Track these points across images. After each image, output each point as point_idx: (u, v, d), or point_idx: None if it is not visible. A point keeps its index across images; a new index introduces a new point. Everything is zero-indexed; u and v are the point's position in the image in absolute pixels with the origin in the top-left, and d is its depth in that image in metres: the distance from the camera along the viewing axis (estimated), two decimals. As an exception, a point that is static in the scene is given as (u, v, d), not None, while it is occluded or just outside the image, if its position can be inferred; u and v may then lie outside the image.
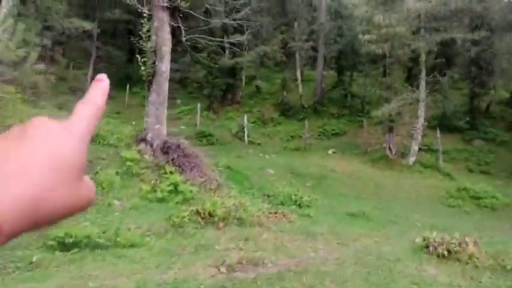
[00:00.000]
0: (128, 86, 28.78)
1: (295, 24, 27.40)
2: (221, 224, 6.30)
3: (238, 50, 29.74)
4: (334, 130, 25.12)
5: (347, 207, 10.49)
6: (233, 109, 29.77)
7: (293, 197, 9.35)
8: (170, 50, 9.56)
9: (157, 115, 9.33)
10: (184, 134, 23.69)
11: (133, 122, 25.86)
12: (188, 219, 6.18)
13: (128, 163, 8.31)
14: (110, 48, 29.59)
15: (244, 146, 22.82)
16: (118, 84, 32.42)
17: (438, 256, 5.37)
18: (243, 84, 30.17)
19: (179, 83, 34.32)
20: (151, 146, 9.21)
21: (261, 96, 31.01)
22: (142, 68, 9.13)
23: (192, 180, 8.59)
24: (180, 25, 10.03)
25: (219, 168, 10.05)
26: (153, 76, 9.31)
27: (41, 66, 20.45)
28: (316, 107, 27.59)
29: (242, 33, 29.27)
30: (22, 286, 3.84)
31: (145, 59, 9.20)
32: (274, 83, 31.98)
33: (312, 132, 24.25)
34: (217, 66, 28.80)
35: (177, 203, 7.54)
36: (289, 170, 14.62)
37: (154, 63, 9.27)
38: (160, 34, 9.28)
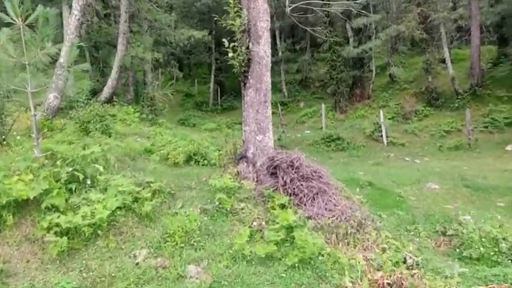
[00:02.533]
0: (248, 94, 27.39)
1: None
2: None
3: (364, 35, 25.62)
4: (507, 118, 18.64)
5: None
6: (364, 105, 25.54)
7: (500, 240, 5.22)
8: (269, 27, 6.59)
9: (259, 120, 6.42)
10: (310, 139, 20.80)
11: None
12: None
13: (218, 195, 5.58)
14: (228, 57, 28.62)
15: (382, 149, 18.54)
16: (239, 94, 31.30)
17: None
18: (374, 75, 25.60)
19: (300, 84, 31.65)
20: (253, 165, 6.34)
21: (397, 86, 25.96)
22: (231, 55, 6.35)
23: (316, 219, 5.37)
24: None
25: (357, 194, 6.55)
26: (248, 66, 6.45)
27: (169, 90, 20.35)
28: (476, 90, 21.31)
29: (366, 15, 25.03)
30: None
31: (235, 44, 6.41)
32: (412, 68, 26.47)
33: (474, 123, 18.39)
34: (340, 58, 25.10)
35: (294, 266, 4.45)
36: (460, 181, 10.07)
37: (247, 47, 6.41)
38: (254, 5, 6.40)
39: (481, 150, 16.04)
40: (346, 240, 4.91)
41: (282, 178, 5.92)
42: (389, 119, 21.55)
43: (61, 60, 9.91)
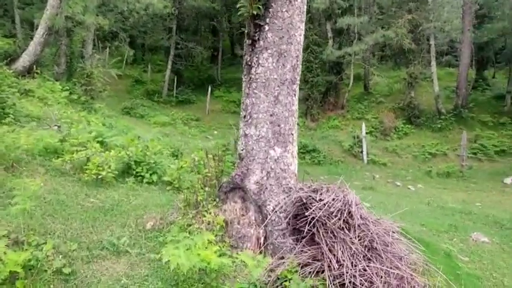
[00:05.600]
0: (210, 89, 23.83)
1: (430, -3, 19.83)
2: None
3: (346, 38, 23.22)
4: (496, 146, 16.97)
5: None
6: (337, 115, 23.06)
7: None
8: None
9: (277, 118, 3.13)
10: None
11: (215, 132, 20.75)
12: None
13: (198, 260, 2.18)
14: (191, 44, 24.85)
15: (363, 167, 16.02)
16: (198, 87, 27.79)
17: None
18: (351, 83, 23.25)
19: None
20: (258, 208, 3.02)
21: (373, 98, 23.83)
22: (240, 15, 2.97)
23: None
24: None
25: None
26: (266, 5, 3.14)
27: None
28: (461, 112, 19.59)
29: (351, 14, 22.67)
30: None
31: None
32: (391, 81, 24.54)
33: (460, 148, 16.51)
34: (318, 60, 22.43)
35: None
36: (500, 228, 7.53)
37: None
38: None
39: (477, 181, 13.99)
40: None
41: (330, 249, 2.66)
42: (366, 133, 19.22)
43: None
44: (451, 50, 24.09)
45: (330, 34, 23.17)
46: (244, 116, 3.28)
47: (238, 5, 3.19)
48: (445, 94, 21.77)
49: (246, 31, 3.34)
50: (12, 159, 3.93)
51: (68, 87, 12.66)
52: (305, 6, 3.40)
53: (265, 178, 3.08)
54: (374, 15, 23.23)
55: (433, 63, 19.98)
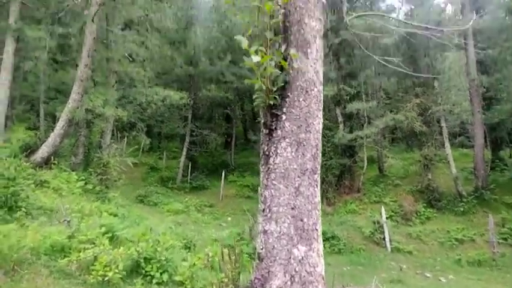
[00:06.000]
0: (223, 173, 23.91)
1: (436, 82, 20.49)
2: None
3: (356, 122, 23.69)
4: (526, 230, 15.93)
5: None
6: (353, 199, 22.44)
7: None
8: (322, 31, 3.44)
9: (300, 212, 2.86)
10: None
11: (229, 218, 20.19)
12: None
13: None
14: (205, 131, 25.64)
15: (387, 256, 15.03)
16: (212, 172, 27.88)
17: None
18: (365, 166, 23.06)
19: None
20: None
21: (389, 181, 23.35)
22: (254, 59, 2.92)
23: None
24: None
25: None
26: (283, 94, 3.10)
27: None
28: (483, 193, 18.85)
29: (359, 99, 23.36)
30: None
31: (260, 48, 3.05)
32: (405, 164, 24.27)
33: (488, 232, 15.52)
34: (330, 144, 22.61)
35: None
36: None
37: (284, 58, 3.10)
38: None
39: (512, 270, 12.82)
40: None
41: None
42: (386, 218, 18.42)
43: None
44: (463, 131, 24.13)
45: (340, 118, 23.71)
46: (263, 210, 3.02)
47: (254, 96, 3.14)
48: (463, 175, 21.24)
49: (262, 121, 3.25)
50: (15, 260, 3.64)
51: (84, 177, 12.72)
52: (322, 95, 3.35)
53: (289, 283, 2.69)
54: (382, 99, 23.95)
55: (447, 144, 19.89)
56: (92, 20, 11.63)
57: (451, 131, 21.93)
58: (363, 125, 22.49)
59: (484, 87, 20.49)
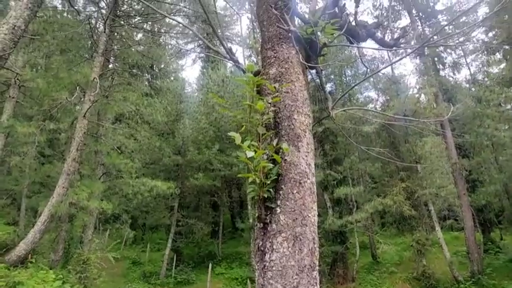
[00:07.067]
0: (210, 266, 22.68)
1: (419, 166, 21.06)
2: None
3: (345, 207, 23.54)
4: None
5: None
6: (349, 289, 21.31)
7: None
8: (311, 126, 3.61)
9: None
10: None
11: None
12: None
13: None
14: (192, 221, 24.96)
15: None
16: (198, 264, 26.44)
17: None
18: (358, 253, 22.39)
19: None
20: None
21: (383, 268, 22.52)
22: (248, 153, 2.95)
23: None
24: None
25: None
26: (276, 187, 3.11)
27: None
28: (480, 279, 18.21)
29: (346, 184, 23.52)
30: None
31: (253, 143, 3.14)
32: (399, 248, 23.71)
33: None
34: (320, 230, 22.14)
35: None
36: None
37: (276, 151, 3.20)
38: (287, 89, 3.56)
39: None
40: None
41: None
42: (384, 309, 17.35)
43: None
44: (452, 214, 24.14)
45: (329, 204, 23.62)
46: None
47: (248, 190, 3.14)
48: (457, 260, 20.74)
49: (256, 214, 3.19)
50: None
51: (61, 276, 11.87)
52: (315, 187, 3.36)
53: None
54: (368, 184, 24.23)
55: (438, 228, 19.71)
56: (84, 116, 11.98)
57: (439, 214, 21.93)
58: (352, 210, 22.38)
59: (466, 170, 21.11)
